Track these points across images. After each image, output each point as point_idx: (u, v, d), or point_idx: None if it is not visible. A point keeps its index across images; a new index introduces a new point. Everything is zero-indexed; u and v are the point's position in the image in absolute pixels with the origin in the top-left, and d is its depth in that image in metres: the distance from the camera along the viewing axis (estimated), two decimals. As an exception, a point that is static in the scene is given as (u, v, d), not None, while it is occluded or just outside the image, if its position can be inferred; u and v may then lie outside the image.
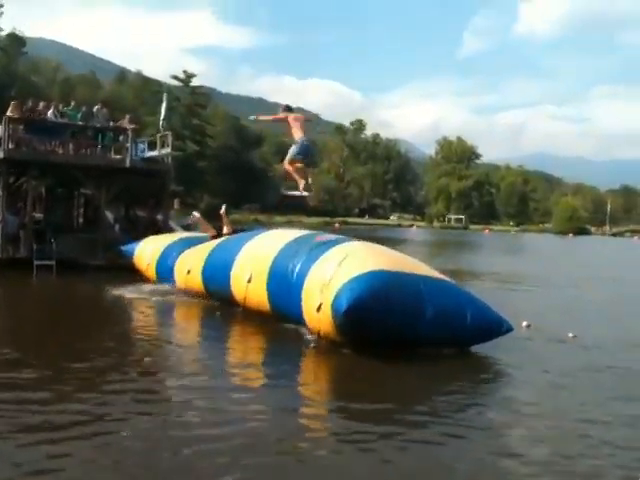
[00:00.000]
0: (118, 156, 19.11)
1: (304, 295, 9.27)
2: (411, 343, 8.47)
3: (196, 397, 6.56)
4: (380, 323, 8.27)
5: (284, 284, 9.87)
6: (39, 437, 5.32)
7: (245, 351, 9.42)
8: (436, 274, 9.46)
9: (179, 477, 4.75)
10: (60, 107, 19.75)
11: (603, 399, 7.18)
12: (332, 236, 11.05)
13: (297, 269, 9.67)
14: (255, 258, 10.96)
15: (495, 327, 9.03)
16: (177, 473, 4.80)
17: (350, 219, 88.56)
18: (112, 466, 4.87)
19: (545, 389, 7.55)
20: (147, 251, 15.01)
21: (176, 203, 34.50)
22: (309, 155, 10.54)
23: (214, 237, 13.88)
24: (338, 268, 8.81)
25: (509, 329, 9.18)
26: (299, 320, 9.53)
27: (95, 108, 20.42)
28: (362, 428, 5.84)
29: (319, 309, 8.74)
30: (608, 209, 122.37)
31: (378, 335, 8.34)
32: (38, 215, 20.34)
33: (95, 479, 4.71)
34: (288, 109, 10.43)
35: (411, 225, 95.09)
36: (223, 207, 14.90)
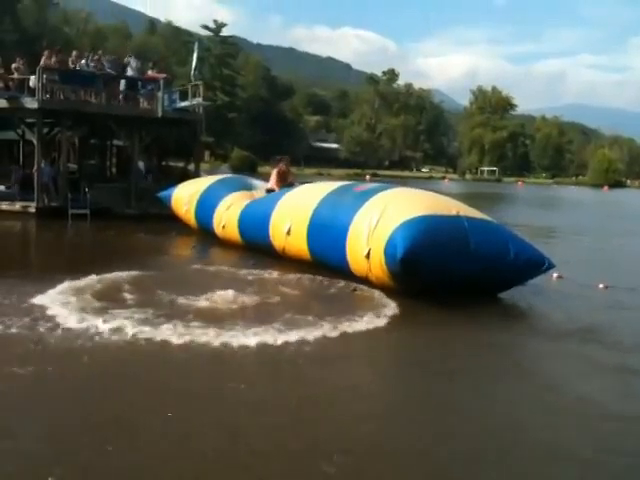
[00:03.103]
0: (150, 106, 19.14)
1: (349, 243, 9.38)
2: (459, 284, 8.48)
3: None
4: (431, 265, 8.38)
5: (326, 233, 9.97)
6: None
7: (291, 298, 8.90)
8: (478, 213, 9.55)
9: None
10: (94, 56, 19.70)
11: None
12: (372, 184, 11.19)
13: (340, 218, 9.73)
14: (295, 209, 10.99)
15: (538, 263, 9.11)
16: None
17: (381, 171, 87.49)
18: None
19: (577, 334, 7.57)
20: (184, 195, 14.71)
21: (206, 155, 34.50)
22: None
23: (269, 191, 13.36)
24: (385, 214, 8.90)
25: (551, 265, 9.27)
26: (342, 267, 9.65)
27: (128, 59, 20.38)
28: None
29: (368, 255, 8.88)
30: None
31: (429, 277, 8.45)
32: (72, 165, 20.63)
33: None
34: None
35: (443, 177, 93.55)
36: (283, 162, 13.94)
